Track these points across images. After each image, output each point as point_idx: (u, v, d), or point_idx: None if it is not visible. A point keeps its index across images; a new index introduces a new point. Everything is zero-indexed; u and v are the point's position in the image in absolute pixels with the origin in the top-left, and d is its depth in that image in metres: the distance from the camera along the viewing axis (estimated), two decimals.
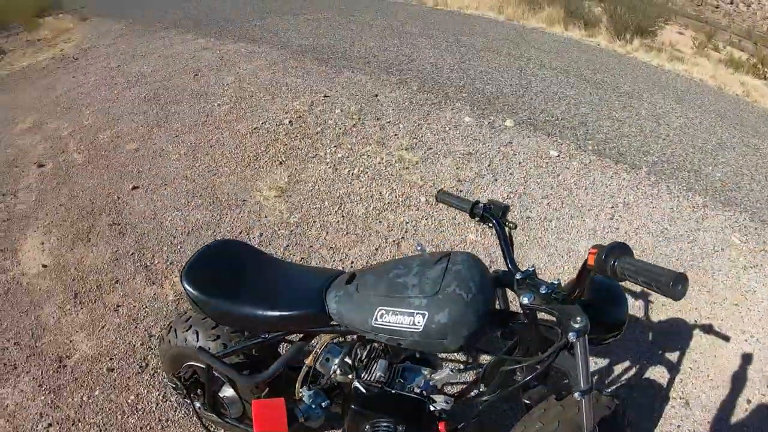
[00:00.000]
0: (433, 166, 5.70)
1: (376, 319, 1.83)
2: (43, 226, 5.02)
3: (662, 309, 4.15)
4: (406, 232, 4.79)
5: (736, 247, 5.09)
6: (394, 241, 4.66)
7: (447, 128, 6.45)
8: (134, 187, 5.46)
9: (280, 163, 5.75)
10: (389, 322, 1.80)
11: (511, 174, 5.67)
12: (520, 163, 5.88)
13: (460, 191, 5.31)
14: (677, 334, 3.99)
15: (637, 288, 4.26)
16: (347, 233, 4.69)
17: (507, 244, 2.03)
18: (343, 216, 4.97)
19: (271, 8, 15.30)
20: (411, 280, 1.84)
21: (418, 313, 1.75)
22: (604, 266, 1.52)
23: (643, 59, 14.84)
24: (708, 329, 4.04)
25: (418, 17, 15.10)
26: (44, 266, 4.44)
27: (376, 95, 7.25)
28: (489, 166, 5.76)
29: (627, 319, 1.95)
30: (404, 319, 1.77)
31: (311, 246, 4.57)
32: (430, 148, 5.99)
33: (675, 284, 1.37)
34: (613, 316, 1.91)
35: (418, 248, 2.28)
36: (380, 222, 4.86)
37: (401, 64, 8.94)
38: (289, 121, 6.45)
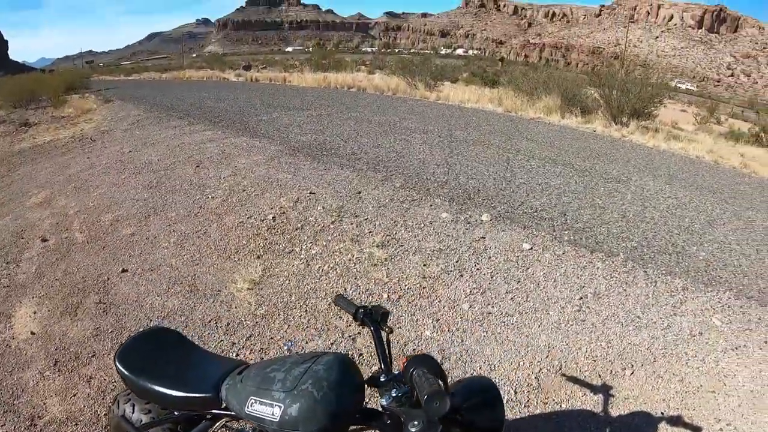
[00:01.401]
0: (400, 263, 5.56)
1: (248, 407, 1.92)
2: (38, 296, 5.25)
3: (624, 403, 3.87)
4: (363, 327, 4.63)
5: (717, 330, 4.78)
6: (350, 336, 4.50)
7: (422, 225, 6.35)
8: (123, 270, 5.63)
9: (258, 257, 5.74)
10: (256, 410, 1.89)
11: (478, 269, 5.48)
12: (489, 258, 5.70)
13: (423, 288, 5.17)
14: (639, 428, 3.70)
15: (597, 380, 4.05)
16: (307, 327, 4.57)
17: (382, 347, 2.09)
18: (306, 311, 4.86)
19: (280, 103, 15.76)
20: (279, 376, 1.93)
21: (276, 405, 1.84)
22: (405, 374, 1.71)
23: (638, 141, 14.83)
24: (676, 421, 3.73)
25: (417, 112, 15.36)
26: (33, 333, 4.64)
27: (359, 192, 7.25)
28: (457, 262, 5.58)
29: (504, 421, 2.03)
30: (266, 409, 1.86)
31: (272, 338, 4.45)
32: (402, 245, 5.87)
33: (429, 400, 1.51)
34: (489, 418, 2.00)
35: (286, 347, 2.34)
36: (340, 318, 4.71)
37: (390, 161, 9.02)
38: (273, 217, 6.47)
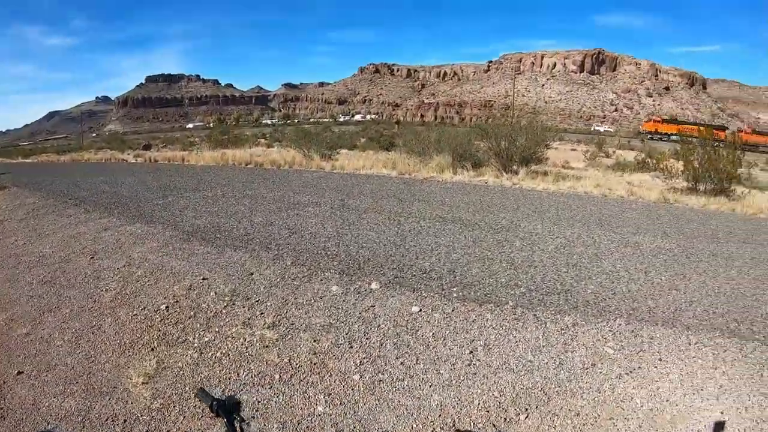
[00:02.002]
0: (291, 342, 5.48)
1: None
2: None
3: None
4: (256, 411, 4.51)
5: (610, 358, 4.94)
6: (245, 422, 4.41)
7: (313, 301, 6.31)
8: (19, 372, 5.33)
9: (152, 349, 5.56)
10: None
11: (368, 339, 5.46)
12: (379, 326, 5.69)
13: (314, 364, 5.11)
14: None
15: (492, 430, 4.07)
16: (201, 417, 4.42)
17: None
18: (200, 400, 4.73)
19: (177, 185, 15.58)
20: None
21: None
22: None
23: (528, 187, 15.34)
24: None
25: (312, 185, 15.42)
26: None
27: (251, 274, 7.17)
28: (347, 334, 5.55)
29: None
30: None
31: (168, 431, 4.31)
32: (293, 324, 5.80)
33: None
34: None
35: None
36: None
37: (282, 238, 8.99)
38: (166, 307, 6.30)
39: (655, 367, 4.79)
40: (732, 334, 5.70)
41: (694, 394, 4.45)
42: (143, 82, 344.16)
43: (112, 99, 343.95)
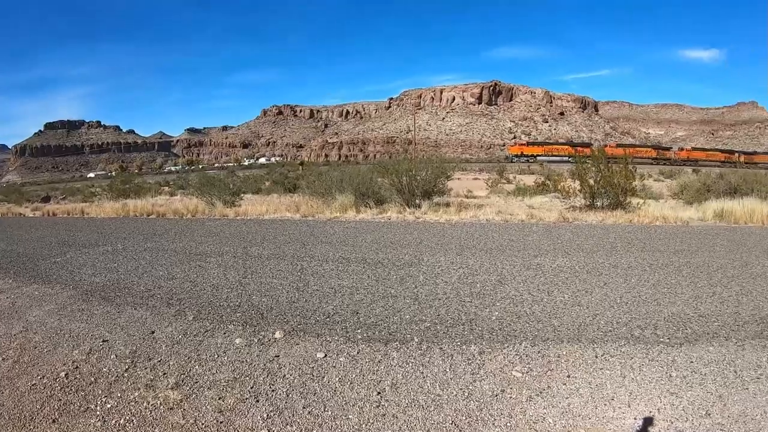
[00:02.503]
0: (196, 401, 5.24)
1: None
2: None
3: None
4: None
5: (518, 382, 4.98)
6: None
7: (216, 356, 6.10)
8: None
9: (53, 421, 5.12)
10: None
11: (274, 391, 5.30)
12: (284, 376, 5.54)
13: (220, 423, 4.89)
14: None
15: None
16: None
17: None
18: None
19: (76, 240, 14.93)
20: None
21: None
22: None
23: (431, 220, 15.53)
24: None
25: (215, 233, 15.05)
26: None
27: (153, 332, 6.88)
28: (252, 388, 5.37)
29: None
30: None
31: None
32: (197, 382, 5.56)
33: None
34: None
35: None
36: None
37: (183, 292, 8.68)
38: (65, 374, 5.90)
39: (564, 384, 4.88)
40: (637, 341, 5.93)
41: (605, 404, 4.56)
42: (42, 129, 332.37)
43: (9, 147, 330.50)
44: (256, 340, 6.36)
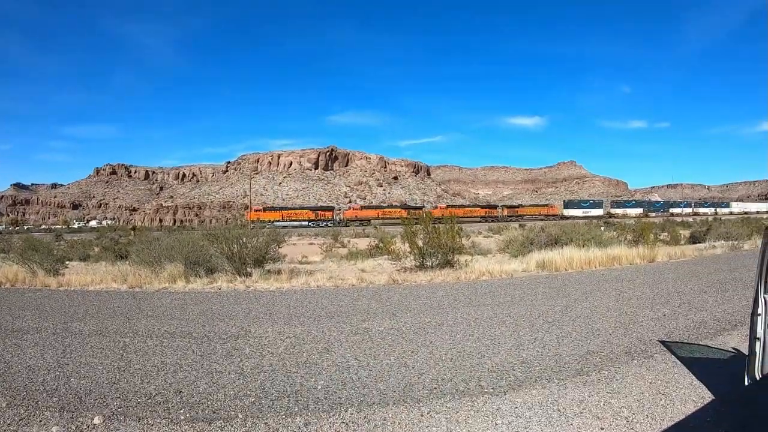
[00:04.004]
0: None
1: None
2: None
3: None
4: None
5: None
6: None
7: None
8: None
9: None
10: None
11: None
12: None
13: None
14: None
15: None
16: None
17: None
18: None
19: None
20: None
21: None
22: None
23: (262, 288, 15.35)
24: None
25: (34, 306, 13.61)
26: None
27: None
28: None
29: None
30: None
31: None
32: None
33: None
34: None
35: None
36: None
37: None
38: None
39: None
40: (462, 395, 6.26)
41: None
42: None
43: None
44: (73, 428, 5.86)
